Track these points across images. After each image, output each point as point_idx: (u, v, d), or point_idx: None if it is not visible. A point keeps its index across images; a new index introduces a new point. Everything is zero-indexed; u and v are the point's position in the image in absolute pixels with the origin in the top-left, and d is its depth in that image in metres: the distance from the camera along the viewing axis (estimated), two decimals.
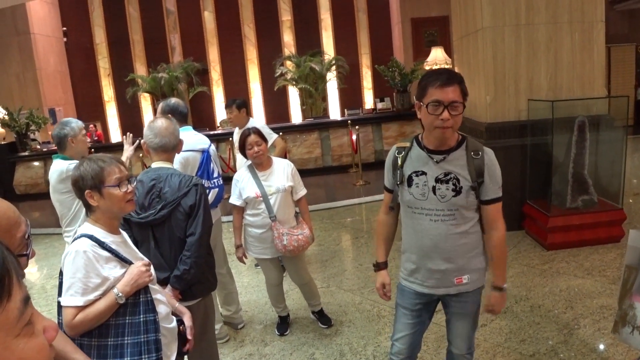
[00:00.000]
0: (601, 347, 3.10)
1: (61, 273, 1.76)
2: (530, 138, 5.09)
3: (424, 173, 2.05)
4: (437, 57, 9.56)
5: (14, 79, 10.51)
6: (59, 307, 1.75)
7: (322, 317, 3.69)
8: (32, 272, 5.60)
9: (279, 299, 3.65)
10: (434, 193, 2.02)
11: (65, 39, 11.68)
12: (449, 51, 9.40)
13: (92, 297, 1.70)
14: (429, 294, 2.16)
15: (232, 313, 3.73)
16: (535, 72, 5.18)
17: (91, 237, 1.76)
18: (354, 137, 8.66)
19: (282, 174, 3.34)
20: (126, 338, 1.75)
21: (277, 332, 3.63)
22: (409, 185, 2.08)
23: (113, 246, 1.80)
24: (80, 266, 1.70)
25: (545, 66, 5.18)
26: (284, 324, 3.68)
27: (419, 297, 2.19)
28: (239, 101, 4.60)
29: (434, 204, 2.03)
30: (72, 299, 1.69)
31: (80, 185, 1.80)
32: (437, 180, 2.02)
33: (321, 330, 3.61)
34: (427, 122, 1.98)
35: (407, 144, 2.14)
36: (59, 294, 1.75)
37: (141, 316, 1.78)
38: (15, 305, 0.68)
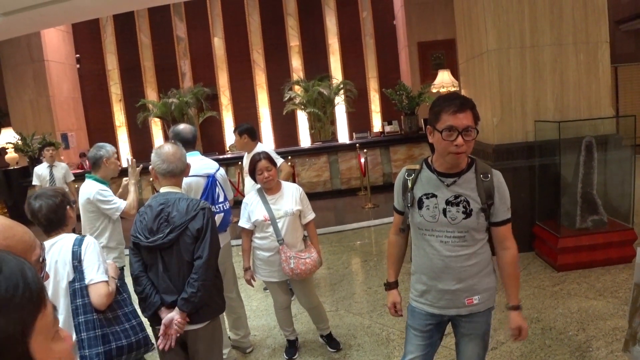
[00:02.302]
0: None
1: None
2: (538, 159, 5.09)
3: (434, 195, 2.06)
4: (443, 80, 9.62)
5: (28, 105, 10.73)
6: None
7: (330, 341, 3.67)
8: None
9: (287, 323, 3.63)
10: (445, 215, 2.04)
11: (78, 66, 11.95)
12: (455, 74, 9.46)
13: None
14: (440, 314, 2.16)
15: (241, 337, 3.72)
16: (542, 94, 5.21)
17: None
18: (363, 160, 8.69)
19: (290, 197, 3.36)
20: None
21: (285, 356, 3.60)
22: (420, 207, 2.09)
23: None
24: None
25: (551, 87, 5.20)
26: (292, 348, 3.65)
27: (429, 317, 2.18)
28: (240, 128, 4.62)
29: (445, 226, 2.05)
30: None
31: None
32: (448, 202, 2.04)
33: (330, 354, 3.58)
34: (441, 148, 2.00)
35: (417, 167, 2.16)
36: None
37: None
38: (50, 312, 0.78)
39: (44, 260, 1.29)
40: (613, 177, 5.05)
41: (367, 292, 4.71)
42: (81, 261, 2.24)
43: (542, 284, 4.42)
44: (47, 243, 2.26)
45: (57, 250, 2.28)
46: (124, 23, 11.76)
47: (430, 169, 2.11)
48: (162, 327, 2.35)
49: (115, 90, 12.10)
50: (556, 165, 4.92)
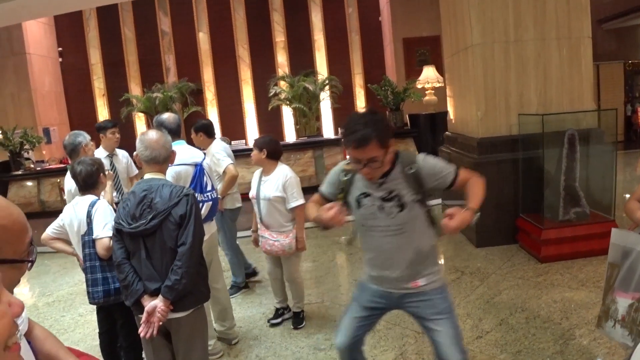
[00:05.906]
0: (597, 357, 3.09)
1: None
2: (522, 152, 5.13)
3: (369, 195, 2.15)
4: (428, 76, 9.65)
5: (9, 99, 10.53)
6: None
7: (296, 317, 3.90)
8: (24, 292, 5.55)
9: (277, 292, 3.96)
10: (382, 211, 2.13)
11: (60, 59, 11.76)
12: (440, 70, 9.51)
13: None
14: (389, 291, 2.23)
15: (227, 329, 3.70)
16: (525, 88, 5.25)
17: None
18: (348, 156, 8.68)
19: (274, 183, 3.59)
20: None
21: (267, 322, 3.94)
22: (359, 206, 2.19)
23: None
24: None
25: (534, 81, 5.25)
26: (275, 316, 3.97)
27: (378, 295, 2.26)
28: (196, 125, 4.47)
29: (384, 221, 2.14)
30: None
31: None
32: (382, 199, 2.12)
33: (317, 345, 3.58)
34: None
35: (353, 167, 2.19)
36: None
37: None
38: None
39: (32, 244, 1.25)
40: (595, 170, 5.12)
41: (353, 284, 4.71)
42: (92, 219, 2.79)
43: (525, 274, 4.46)
44: (75, 200, 2.96)
45: (80, 208, 2.87)
46: (108, 16, 11.59)
47: None
48: (144, 315, 2.31)
49: (99, 84, 11.94)
50: (539, 158, 4.96)
